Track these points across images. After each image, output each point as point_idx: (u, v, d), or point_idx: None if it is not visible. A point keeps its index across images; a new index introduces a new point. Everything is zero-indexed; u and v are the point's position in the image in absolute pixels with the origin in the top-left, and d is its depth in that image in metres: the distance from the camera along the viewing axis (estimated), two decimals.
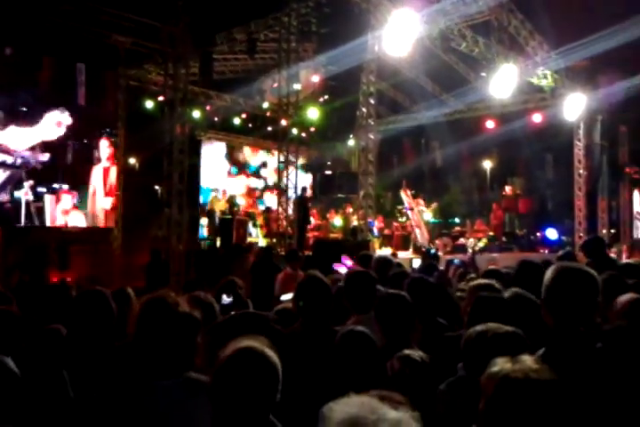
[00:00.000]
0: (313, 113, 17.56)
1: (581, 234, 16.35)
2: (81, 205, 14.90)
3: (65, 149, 14.41)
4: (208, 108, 17.68)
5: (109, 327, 2.97)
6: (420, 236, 14.78)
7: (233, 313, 3.10)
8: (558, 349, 2.22)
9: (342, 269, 6.80)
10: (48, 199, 13.96)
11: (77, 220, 14.86)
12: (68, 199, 14.56)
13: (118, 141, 16.31)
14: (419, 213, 15.64)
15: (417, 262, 9.21)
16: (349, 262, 7.43)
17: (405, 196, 16.07)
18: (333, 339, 2.80)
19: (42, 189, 13.78)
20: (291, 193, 12.95)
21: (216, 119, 18.37)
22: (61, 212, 14.35)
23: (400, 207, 16.50)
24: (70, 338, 2.97)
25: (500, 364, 1.68)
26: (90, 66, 13.68)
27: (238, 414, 1.82)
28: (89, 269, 12.91)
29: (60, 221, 14.25)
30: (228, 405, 1.82)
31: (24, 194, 13.25)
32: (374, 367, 2.52)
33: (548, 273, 2.31)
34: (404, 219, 16.19)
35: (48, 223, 13.90)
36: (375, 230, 15.58)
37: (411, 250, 14.90)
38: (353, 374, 2.51)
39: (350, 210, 16.75)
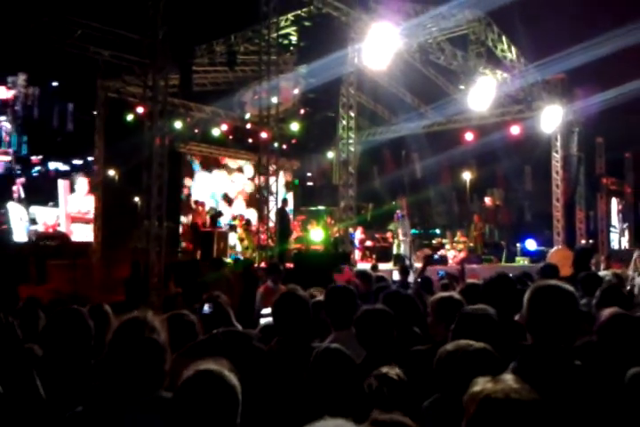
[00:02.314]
0: (294, 125, 17.60)
1: (560, 245, 16.52)
2: None
3: None
4: (188, 120, 17.62)
5: (86, 346, 2.92)
6: (405, 245, 14.76)
7: (215, 331, 3.05)
8: (533, 364, 2.22)
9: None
10: None
11: None
12: None
13: (97, 155, 16.23)
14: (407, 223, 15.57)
15: (397, 275, 9.18)
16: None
17: (402, 203, 16.05)
18: (310, 357, 2.76)
19: None
20: (272, 205, 12.90)
21: (196, 131, 18.30)
22: None
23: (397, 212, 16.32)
24: (46, 357, 2.91)
25: (482, 383, 1.66)
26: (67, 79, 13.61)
27: None
28: (68, 283, 12.70)
29: None
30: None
31: None
32: (351, 386, 2.49)
33: (528, 292, 2.35)
34: (392, 226, 16.09)
35: None
36: (356, 242, 15.58)
37: (392, 262, 14.89)
38: (329, 394, 2.48)
39: (331, 221, 16.73)
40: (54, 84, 14.96)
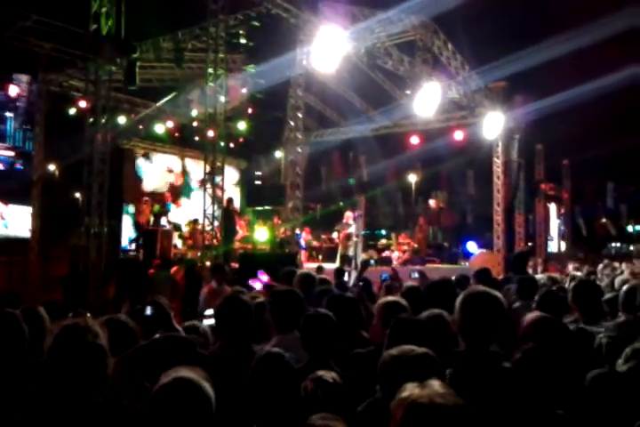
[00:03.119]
0: (241, 125, 17.47)
1: (500, 247, 17.03)
2: None
3: None
4: (133, 116, 17.26)
5: (20, 351, 2.84)
6: (355, 246, 14.83)
7: (157, 336, 3.01)
8: (467, 369, 2.31)
9: (257, 285, 6.71)
10: None
11: None
12: None
13: (37, 149, 15.72)
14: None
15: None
16: (265, 278, 7.36)
17: (360, 202, 16.10)
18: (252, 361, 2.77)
19: None
20: (216, 204, 12.78)
21: (141, 127, 17.94)
22: None
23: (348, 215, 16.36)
24: None
25: (409, 389, 1.71)
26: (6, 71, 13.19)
27: None
28: (3, 281, 12.27)
29: None
30: None
31: None
32: (290, 390, 2.51)
33: (459, 298, 2.44)
34: (338, 227, 16.06)
35: None
36: (302, 242, 15.61)
37: (337, 262, 14.99)
38: (268, 398, 2.50)
39: (278, 222, 16.70)
40: None
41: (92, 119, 10.60)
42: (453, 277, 6.84)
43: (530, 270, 11.50)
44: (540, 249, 19.96)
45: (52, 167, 20.26)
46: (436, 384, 1.71)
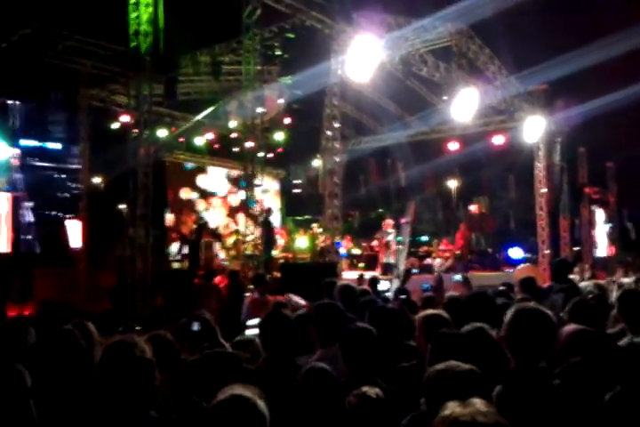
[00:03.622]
0: (278, 135, 17.65)
1: (545, 252, 16.71)
2: None
3: None
4: (173, 129, 17.63)
5: (77, 366, 2.94)
6: (398, 254, 14.70)
7: (206, 352, 3.09)
8: (517, 387, 2.31)
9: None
10: None
11: None
12: None
13: (83, 163, 16.22)
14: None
15: (383, 284, 9.24)
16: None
17: (410, 208, 15.95)
18: (297, 375, 2.81)
19: None
20: (257, 214, 12.92)
21: (181, 140, 18.31)
22: None
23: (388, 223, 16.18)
24: (37, 378, 2.92)
25: (451, 407, 1.72)
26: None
27: None
28: (54, 292, 12.63)
29: None
30: None
31: None
32: (334, 404, 2.54)
33: (508, 314, 2.49)
34: (378, 235, 15.96)
35: None
36: (343, 251, 15.62)
37: (379, 270, 14.95)
38: (314, 412, 2.53)
39: (318, 230, 16.77)
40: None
41: (134, 133, 10.88)
42: (500, 288, 6.74)
43: (576, 277, 11.23)
44: (586, 254, 19.49)
45: (97, 180, 20.84)
46: (478, 402, 1.72)
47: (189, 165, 19.47)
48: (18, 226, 16.76)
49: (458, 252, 17.32)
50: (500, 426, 1.64)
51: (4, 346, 3.33)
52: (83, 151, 16.27)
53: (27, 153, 21.67)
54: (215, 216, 19.49)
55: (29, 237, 19.25)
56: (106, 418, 2.23)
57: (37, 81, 13.55)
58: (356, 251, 17.66)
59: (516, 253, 17.37)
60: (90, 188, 16.96)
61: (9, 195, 15.58)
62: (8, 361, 2.46)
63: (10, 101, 14.86)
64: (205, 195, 19.66)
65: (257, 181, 12.48)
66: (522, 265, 15.32)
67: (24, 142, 22.17)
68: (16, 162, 19.02)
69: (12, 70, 11.80)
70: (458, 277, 9.42)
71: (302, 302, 5.81)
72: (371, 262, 16.08)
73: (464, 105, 13.64)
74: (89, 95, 15.39)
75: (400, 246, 14.74)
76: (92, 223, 16.07)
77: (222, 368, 2.70)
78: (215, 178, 19.94)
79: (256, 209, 12.55)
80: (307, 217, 18.21)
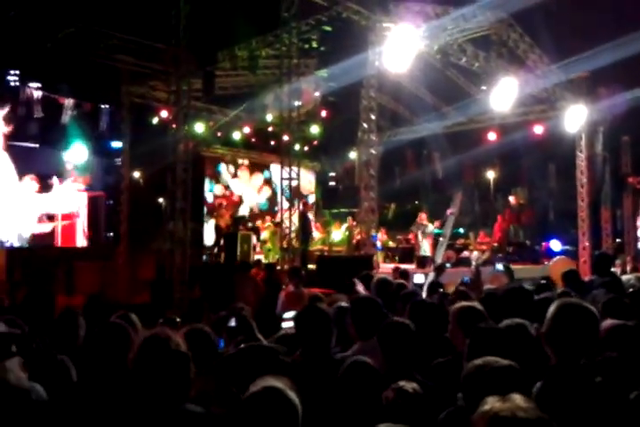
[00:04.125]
0: (314, 128, 17.68)
1: (586, 244, 16.36)
2: None
3: None
4: (211, 123, 17.82)
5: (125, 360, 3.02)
6: (440, 246, 14.56)
7: (242, 346, 3.15)
8: (558, 383, 2.28)
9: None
10: None
11: None
12: None
13: (123, 158, 16.56)
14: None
15: (418, 278, 9.19)
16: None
17: (457, 199, 15.73)
18: (333, 368, 2.84)
19: None
20: (294, 207, 12.99)
21: (219, 134, 18.50)
22: None
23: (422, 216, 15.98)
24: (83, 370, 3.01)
25: (491, 402, 1.72)
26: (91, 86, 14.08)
27: None
28: (95, 285, 12.95)
29: None
30: None
31: None
32: (376, 399, 2.57)
33: (551, 309, 2.44)
34: (414, 227, 15.80)
35: None
36: (378, 244, 15.58)
37: (415, 263, 14.87)
38: (356, 406, 2.56)
39: (353, 223, 16.77)
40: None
41: (173, 128, 11.06)
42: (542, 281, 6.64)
43: (618, 270, 10.97)
44: (629, 246, 18.98)
45: (136, 174, 21.23)
46: (518, 398, 1.72)
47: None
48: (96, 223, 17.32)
49: (495, 244, 17.10)
50: (541, 422, 1.64)
51: (55, 337, 3.44)
52: (124, 147, 16.60)
53: (104, 154, 22.18)
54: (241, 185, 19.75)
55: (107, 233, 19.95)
56: (142, 411, 2.27)
57: (84, 80, 13.89)
58: (392, 244, 17.60)
59: (556, 245, 17.04)
60: (131, 182, 17.28)
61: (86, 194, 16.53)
62: (53, 353, 2.55)
63: (102, 106, 15.26)
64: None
65: (293, 174, 12.56)
66: (557, 258, 14.97)
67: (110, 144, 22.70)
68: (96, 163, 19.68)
69: (57, 69, 12.14)
70: (499, 266, 9.29)
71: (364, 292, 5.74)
72: (406, 255, 16.01)
73: (503, 94, 13.43)
74: (129, 92, 15.69)
75: (441, 238, 14.57)
76: (132, 217, 16.40)
77: (260, 361, 2.75)
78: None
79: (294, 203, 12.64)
80: (342, 210, 18.20)
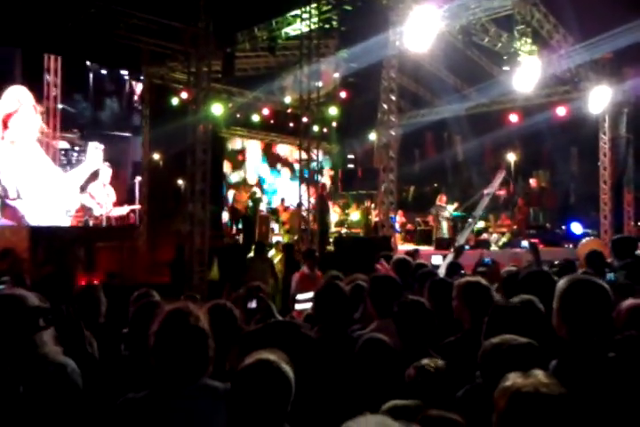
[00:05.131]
0: (333, 109, 17.58)
1: (607, 228, 16.17)
2: None
3: None
4: (230, 105, 17.80)
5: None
6: (467, 227, 14.42)
7: (266, 322, 3.18)
8: (573, 360, 2.27)
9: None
10: None
11: None
12: None
13: (143, 139, 16.61)
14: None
15: (436, 259, 9.18)
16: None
17: (497, 180, 15.40)
18: (350, 345, 2.87)
19: None
20: (312, 189, 13.00)
21: (238, 116, 18.48)
22: None
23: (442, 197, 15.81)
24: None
25: (512, 378, 1.73)
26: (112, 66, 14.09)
27: (251, 420, 1.99)
28: (115, 266, 13.13)
29: None
30: (242, 412, 2.00)
31: None
32: (392, 376, 2.59)
33: (561, 285, 2.38)
34: (433, 210, 15.70)
35: None
36: (397, 226, 15.56)
37: (433, 245, 14.85)
38: (372, 383, 2.58)
39: (372, 205, 16.74)
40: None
41: (193, 109, 11.07)
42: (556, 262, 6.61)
43: None
44: None
45: (156, 156, 21.31)
46: (539, 374, 1.73)
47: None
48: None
49: (515, 227, 16.98)
50: (563, 397, 1.64)
51: (78, 313, 3.50)
52: (144, 128, 16.65)
53: None
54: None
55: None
56: (159, 385, 2.29)
57: (105, 60, 13.95)
58: (410, 226, 17.56)
59: (577, 228, 16.84)
60: (150, 163, 17.35)
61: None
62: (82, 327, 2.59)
63: None
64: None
65: (312, 156, 12.55)
66: (586, 239, 14.81)
67: None
68: None
69: (78, 49, 12.19)
70: (525, 243, 9.15)
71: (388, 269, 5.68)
72: (425, 237, 15.98)
73: (526, 75, 13.22)
74: (149, 73, 15.71)
75: (470, 220, 14.38)
76: (152, 198, 16.52)
77: (283, 336, 2.79)
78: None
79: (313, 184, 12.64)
80: (361, 192, 18.15)
